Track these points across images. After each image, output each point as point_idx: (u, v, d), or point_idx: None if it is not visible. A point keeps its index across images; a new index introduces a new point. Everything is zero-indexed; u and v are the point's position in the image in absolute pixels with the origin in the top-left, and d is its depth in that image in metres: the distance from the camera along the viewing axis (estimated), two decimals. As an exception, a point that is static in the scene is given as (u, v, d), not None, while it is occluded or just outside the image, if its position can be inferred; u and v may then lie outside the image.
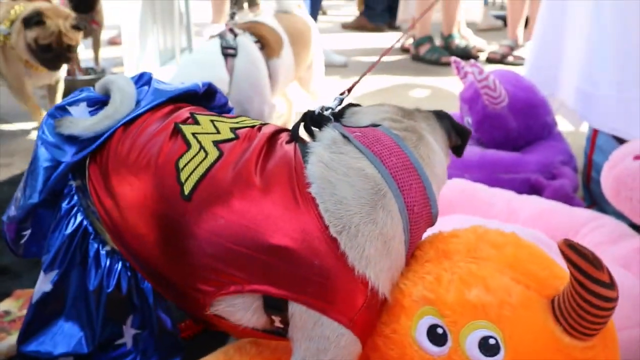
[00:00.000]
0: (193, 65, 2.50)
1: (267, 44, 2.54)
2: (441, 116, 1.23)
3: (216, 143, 1.10)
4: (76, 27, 2.90)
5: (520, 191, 1.90)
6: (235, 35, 2.48)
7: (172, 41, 3.95)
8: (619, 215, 1.61)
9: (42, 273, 1.22)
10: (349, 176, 1.03)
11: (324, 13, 7.46)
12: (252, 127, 1.17)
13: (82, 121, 1.18)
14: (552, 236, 1.62)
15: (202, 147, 1.09)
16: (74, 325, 1.23)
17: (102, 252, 1.19)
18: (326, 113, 1.18)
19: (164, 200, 1.07)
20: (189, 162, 1.07)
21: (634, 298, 1.31)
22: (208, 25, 4.65)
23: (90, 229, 1.19)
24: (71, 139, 1.17)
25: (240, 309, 1.05)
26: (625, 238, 1.55)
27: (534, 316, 0.96)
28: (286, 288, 1.00)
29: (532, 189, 2.05)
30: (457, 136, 1.24)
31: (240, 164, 1.06)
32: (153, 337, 1.28)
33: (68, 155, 1.17)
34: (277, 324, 1.05)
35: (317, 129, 1.15)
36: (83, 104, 1.22)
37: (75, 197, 1.20)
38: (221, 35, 2.48)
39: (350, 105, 1.25)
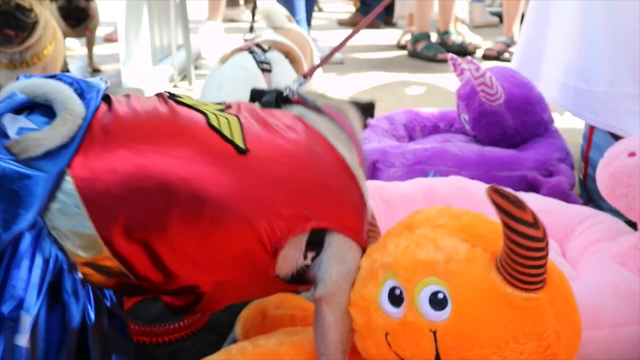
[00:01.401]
0: (237, 83, 2.30)
1: (294, 60, 2.50)
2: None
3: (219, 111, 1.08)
4: None
5: (517, 188, 1.90)
6: (264, 50, 2.43)
7: (169, 38, 3.94)
8: (616, 213, 1.61)
9: None
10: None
11: (320, 9, 7.45)
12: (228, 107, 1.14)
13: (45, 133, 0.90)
14: (549, 234, 1.62)
15: (213, 113, 1.05)
16: None
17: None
18: (286, 93, 1.23)
19: (218, 160, 0.99)
20: (218, 123, 1.03)
21: (632, 295, 1.31)
22: (204, 22, 4.64)
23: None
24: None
25: (296, 250, 1.07)
26: (622, 235, 1.56)
27: (477, 269, 0.99)
28: (332, 220, 1.08)
29: (529, 186, 2.05)
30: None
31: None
32: None
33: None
34: (308, 261, 1.09)
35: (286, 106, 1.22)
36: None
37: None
38: (251, 50, 2.41)
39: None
